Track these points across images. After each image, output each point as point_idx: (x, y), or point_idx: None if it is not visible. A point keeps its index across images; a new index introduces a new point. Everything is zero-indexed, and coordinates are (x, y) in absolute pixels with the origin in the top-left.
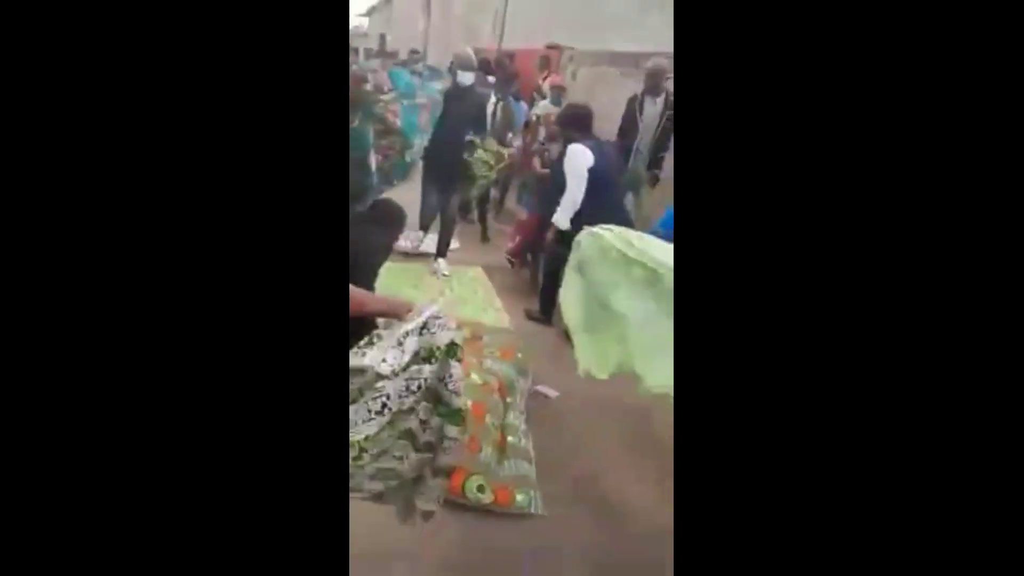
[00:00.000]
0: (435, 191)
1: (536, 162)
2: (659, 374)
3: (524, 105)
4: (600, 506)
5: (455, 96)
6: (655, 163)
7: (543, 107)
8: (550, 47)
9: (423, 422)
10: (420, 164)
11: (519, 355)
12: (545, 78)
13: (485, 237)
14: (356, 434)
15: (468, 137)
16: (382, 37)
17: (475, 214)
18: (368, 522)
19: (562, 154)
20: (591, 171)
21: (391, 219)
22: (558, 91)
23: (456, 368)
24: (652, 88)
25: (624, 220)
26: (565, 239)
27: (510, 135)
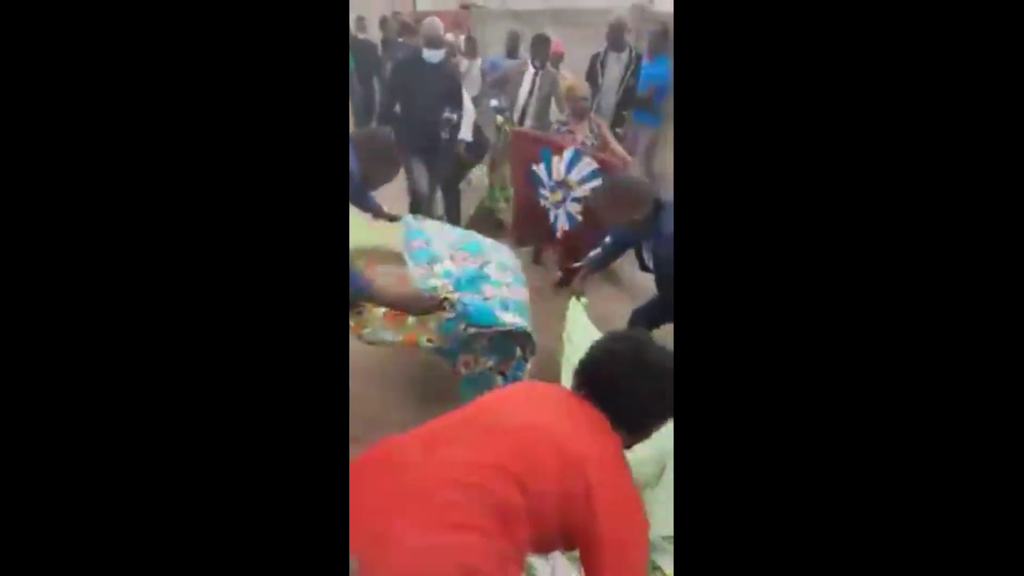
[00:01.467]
0: (422, 171)
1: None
2: None
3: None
4: None
5: (421, 75)
6: (618, 121)
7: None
8: (462, 6)
9: None
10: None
11: None
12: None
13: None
14: None
15: (447, 114)
16: None
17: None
18: None
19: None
20: None
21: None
22: (556, 59)
23: None
24: (615, 44)
25: None
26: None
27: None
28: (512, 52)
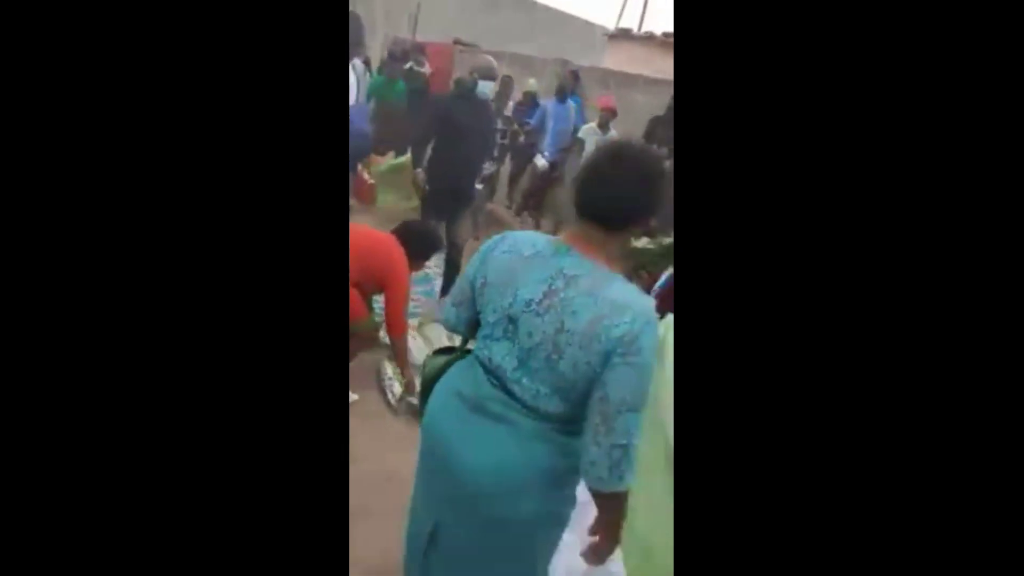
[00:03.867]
0: (436, 218)
1: None
2: None
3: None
4: None
5: (466, 111)
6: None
7: (587, 132)
8: (456, 42)
9: None
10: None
11: None
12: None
13: None
14: None
15: (487, 169)
16: None
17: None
18: None
19: None
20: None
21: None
22: (609, 115)
23: None
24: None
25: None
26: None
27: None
28: (561, 97)
